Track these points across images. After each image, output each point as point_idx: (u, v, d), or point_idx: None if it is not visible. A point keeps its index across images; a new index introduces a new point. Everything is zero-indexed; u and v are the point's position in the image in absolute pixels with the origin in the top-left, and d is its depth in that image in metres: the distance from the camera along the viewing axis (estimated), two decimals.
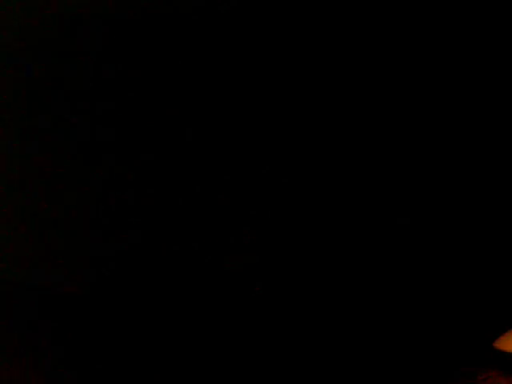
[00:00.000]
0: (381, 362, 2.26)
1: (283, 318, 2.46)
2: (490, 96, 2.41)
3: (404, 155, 2.47)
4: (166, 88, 2.48)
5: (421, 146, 2.46)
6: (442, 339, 2.34)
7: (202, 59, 2.44)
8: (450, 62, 2.39)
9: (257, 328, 2.45)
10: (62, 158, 2.53)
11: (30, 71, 2.46)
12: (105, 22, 2.37)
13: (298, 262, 2.51)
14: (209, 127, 2.51)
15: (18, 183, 2.52)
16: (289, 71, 2.44)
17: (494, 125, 2.42)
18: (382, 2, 2.33)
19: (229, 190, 2.51)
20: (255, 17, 2.37)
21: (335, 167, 2.49)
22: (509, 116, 2.39)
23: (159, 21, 2.37)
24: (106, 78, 2.46)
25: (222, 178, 2.51)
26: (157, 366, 2.34)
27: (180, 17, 2.35)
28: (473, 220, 2.46)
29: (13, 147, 2.51)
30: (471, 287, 2.44)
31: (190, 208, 2.53)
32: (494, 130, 2.43)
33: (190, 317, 2.50)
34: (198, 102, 2.50)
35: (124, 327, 2.51)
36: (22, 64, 2.44)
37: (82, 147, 2.53)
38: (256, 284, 2.48)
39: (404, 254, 2.47)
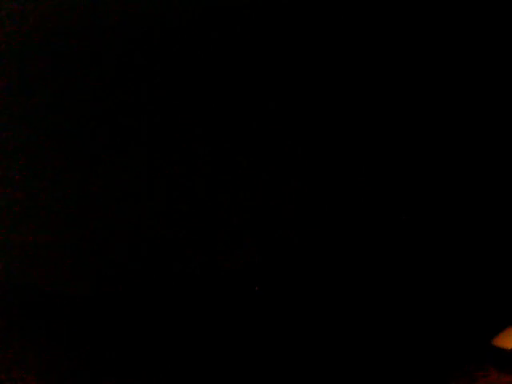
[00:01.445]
0: (380, 361, 2.26)
1: (283, 319, 2.46)
2: (490, 96, 2.41)
3: (405, 153, 2.48)
4: (166, 88, 2.49)
5: (422, 144, 2.47)
6: (441, 337, 2.34)
7: (202, 59, 2.44)
8: (449, 62, 2.40)
9: (257, 328, 2.45)
10: (62, 159, 2.53)
11: (30, 70, 2.46)
12: (105, 22, 2.38)
13: (299, 261, 2.51)
14: (207, 127, 2.51)
15: (19, 183, 2.52)
16: (289, 72, 2.44)
17: (494, 124, 2.43)
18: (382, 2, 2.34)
19: (229, 189, 2.51)
20: (255, 17, 2.38)
21: (336, 166, 2.50)
22: (509, 116, 2.40)
23: (160, 21, 2.38)
24: (107, 78, 2.47)
25: (222, 178, 2.51)
26: (157, 367, 2.34)
27: (179, 16, 2.35)
28: (473, 219, 2.46)
29: (13, 146, 2.51)
30: (470, 286, 2.44)
31: (189, 208, 2.53)
32: (494, 129, 2.43)
33: (189, 317, 2.51)
34: (198, 102, 2.50)
35: (124, 328, 2.51)
36: (21, 63, 2.44)
37: (82, 148, 2.53)
38: (256, 283, 2.48)
39: (404, 252, 2.47)
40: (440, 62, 2.41)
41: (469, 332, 2.34)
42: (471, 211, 2.47)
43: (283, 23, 2.39)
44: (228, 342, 2.42)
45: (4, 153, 2.51)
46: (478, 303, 2.41)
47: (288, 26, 2.39)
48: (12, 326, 2.50)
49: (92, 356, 2.41)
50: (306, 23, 2.39)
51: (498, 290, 2.42)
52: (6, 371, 2.31)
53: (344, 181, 2.50)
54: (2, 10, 2.43)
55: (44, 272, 2.56)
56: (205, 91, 2.46)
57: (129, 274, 2.56)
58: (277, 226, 2.52)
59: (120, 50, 2.44)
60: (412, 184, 2.49)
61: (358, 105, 2.46)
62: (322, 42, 2.39)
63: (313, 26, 2.39)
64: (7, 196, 2.52)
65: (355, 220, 2.51)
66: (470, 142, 2.45)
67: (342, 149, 2.48)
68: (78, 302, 2.56)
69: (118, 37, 2.41)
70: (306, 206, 2.51)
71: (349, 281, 2.48)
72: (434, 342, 2.32)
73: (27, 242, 2.54)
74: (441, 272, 2.46)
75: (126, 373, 2.34)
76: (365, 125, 2.47)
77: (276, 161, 2.50)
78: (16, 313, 2.54)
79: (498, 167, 2.45)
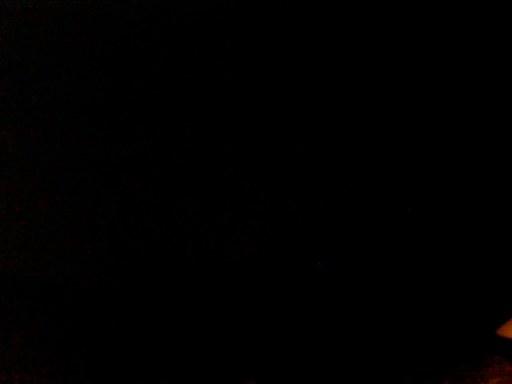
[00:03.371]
0: (384, 350, 2.27)
1: (287, 311, 2.47)
2: (493, 87, 2.41)
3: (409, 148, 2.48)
4: (166, 87, 2.49)
5: (427, 135, 2.47)
6: (446, 327, 2.35)
7: (202, 59, 2.44)
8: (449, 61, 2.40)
9: (261, 319, 2.45)
10: (63, 152, 2.52)
11: (28, 68, 2.45)
12: (104, 20, 2.37)
13: (302, 253, 2.51)
14: (211, 119, 2.51)
15: (19, 177, 2.52)
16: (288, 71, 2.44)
17: (498, 117, 2.43)
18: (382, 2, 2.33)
19: (234, 179, 2.51)
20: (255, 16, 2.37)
21: (340, 157, 2.50)
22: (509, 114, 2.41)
23: (159, 20, 2.37)
24: (107, 78, 2.47)
25: (224, 169, 2.51)
26: (158, 360, 2.34)
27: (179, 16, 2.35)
28: (478, 210, 2.47)
29: (13, 139, 2.50)
30: (476, 276, 2.44)
31: (192, 200, 2.53)
32: (498, 121, 2.43)
33: (192, 309, 2.51)
34: (198, 101, 2.50)
35: (126, 320, 2.51)
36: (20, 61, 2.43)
37: (82, 142, 2.53)
38: (260, 273, 2.48)
39: (408, 242, 2.47)
40: (440, 56, 2.40)
41: (474, 322, 2.34)
42: (476, 202, 2.47)
43: (283, 23, 2.39)
44: (232, 330, 2.42)
45: (4, 146, 2.50)
46: (483, 293, 2.41)
47: (288, 27, 2.39)
48: (12, 321, 2.49)
49: (92, 348, 2.41)
50: (306, 23, 2.39)
51: (502, 280, 2.42)
52: (5, 371, 2.31)
53: (348, 171, 2.50)
54: (2, 9, 2.42)
55: (47, 263, 2.55)
56: (207, 89, 2.46)
57: (132, 267, 2.56)
58: (281, 217, 2.52)
59: (120, 50, 2.43)
60: (417, 175, 2.50)
61: (362, 95, 2.46)
62: (322, 41, 2.39)
63: (312, 26, 2.39)
64: (7, 190, 2.52)
65: (360, 210, 2.51)
66: (474, 135, 2.46)
67: (346, 140, 2.48)
68: (82, 294, 2.56)
69: (118, 36, 2.41)
70: (311, 196, 2.51)
71: (354, 270, 2.48)
72: (440, 332, 2.33)
73: (28, 235, 2.53)
74: (446, 262, 2.46)
75: (129, 368, 2.35)
76: (368, 116, 2.48)
77: (280, 150, 2.50)
78: (16, 307, 2.53)
79: (503, 158, 2.45)
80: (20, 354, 2.36)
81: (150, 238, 2.56)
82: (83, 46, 2.46)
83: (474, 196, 2.47)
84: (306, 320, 2.42)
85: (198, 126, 2.51)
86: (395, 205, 2.48)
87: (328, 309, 2.44)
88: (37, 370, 2.33)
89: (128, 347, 2.42)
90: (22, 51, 2.46)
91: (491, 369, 2.12)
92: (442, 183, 2.49)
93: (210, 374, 2.30)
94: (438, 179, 2.50)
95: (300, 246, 2.53)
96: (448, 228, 2.48)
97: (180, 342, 2.42)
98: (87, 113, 2.50)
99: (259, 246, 2.53)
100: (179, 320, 2.49)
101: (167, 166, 2.53)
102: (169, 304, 2.52)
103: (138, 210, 2.55)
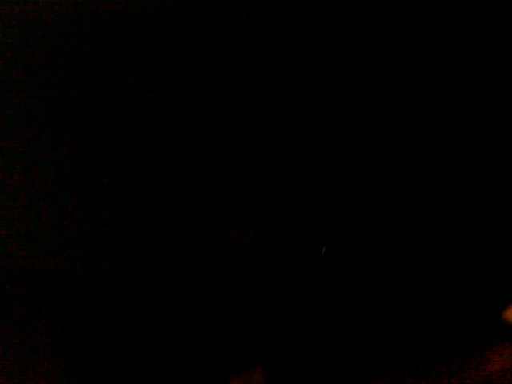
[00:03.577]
0: (385, 334, 2.25)
1: (292, 298, 2.45)
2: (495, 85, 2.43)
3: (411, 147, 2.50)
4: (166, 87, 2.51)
5: (428, 134, 2.49)
6: (450, 311, 2.33)
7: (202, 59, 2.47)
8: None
9: (265, 306, 2.44)
10: (61, 147, 2.54)
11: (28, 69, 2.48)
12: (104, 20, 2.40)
13: (303, 243, 2.51)
14: (209, 120, 2.53)
15: (20, 171, 2.53)
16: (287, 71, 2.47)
17: (500, 114, 2.45)
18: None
19: (232, 172, 2.52)
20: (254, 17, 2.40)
21: (337, 152, 2.51)
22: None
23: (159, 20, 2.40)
24: (106, 78, 2.49)
25: (224, 162, 2.52)
26: (161, 348, 2.32)
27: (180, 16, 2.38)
28: (480, 198, 2.47)
29: (13, 134, 2.52)
30: (480, 259, 2.43)
31: (192, 192, 2.54)
32: (499, 119, 2.45)
33: (196, 294, 2.49)
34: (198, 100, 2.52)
35: (126, 319, 2.50)
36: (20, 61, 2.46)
37: (83, 139, 2.55)
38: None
39: (411, 229, 2.46)
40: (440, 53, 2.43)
41: (479, 306, 2.32)
42: (479, 191, 2.47)
43: (283, 23, 2.42)
44: (236, 317, 2.40)
45: (3, 141, 2.51)
46: (487, 277, 2.39)
47: (288, 27, 2.42)
48: (12, 320, 2.47)
49: (96, 347, 2.39)
50: (306, 23, 2.42)
51: (507, 263, 2.41)
52: (5, 370, 2.29)
53: (348, 166, 2.51)
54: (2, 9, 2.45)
55: (46, 261, 2.55)
56: (206, 88, 2.49)
57: (133, 256, 2.56)
58: (281, 206, 2.52)
59: (120, 48, 2.46)
60: (418, 175, 2.51)
61: (362, 90, 2.48)
62: (322, 41, 2.42)
63: (312, 26, 2.42)
64: (8, 180, 2.53)
65: (361, 201, 2.51)
66: (474, 131, 2.47)
67: (346, 133, 2.50)
68: (81, 294, 2.55)
69: (118, 35, 2.44)
70: (311, 193, 2.52)
71: (356, 258, 2.47)
72: (442, 316, 2.30)
73: (29, 225, 2.53)
74: (450, 246, 2.45)
75: (129, 368, 2.33)
76: (367, 118, 2.49)
77: (279, 144, 2.52)
78: (16, 305, 2.52)
79: (503, 155, 2.46)
80: (20, 354, 2.35)
81: (151, 236, 2.56)
82: (83, 46, 2.49)
83: (477, 186, 2.47)
84: (312, 306, 2.41)
85: (198, 124, 2.53)
86: (395, 199, 2.49)
87: (332, 296, 2.43)
88: (36, 370, 2.32)
89: (128, 346, 2.41)
90: (22, 50, 2.49)
91: (495, 353, 2.10)
92: (443, 176, 2.50)
93: (215, 360, 2.29)
94: (438, 173, 2.50)
95: (302, 233, 2.52)
96: (452, 213, 2.48)
97: (183, 330, 2.40)
98: (88, 110, 2.52)
99: (262, 233, 2.53)
100: (182, 307, 2.48)
101: (167, 162, 2.55)
102: (171, 294, 2.51)
103: (138, 206, 2.55)
